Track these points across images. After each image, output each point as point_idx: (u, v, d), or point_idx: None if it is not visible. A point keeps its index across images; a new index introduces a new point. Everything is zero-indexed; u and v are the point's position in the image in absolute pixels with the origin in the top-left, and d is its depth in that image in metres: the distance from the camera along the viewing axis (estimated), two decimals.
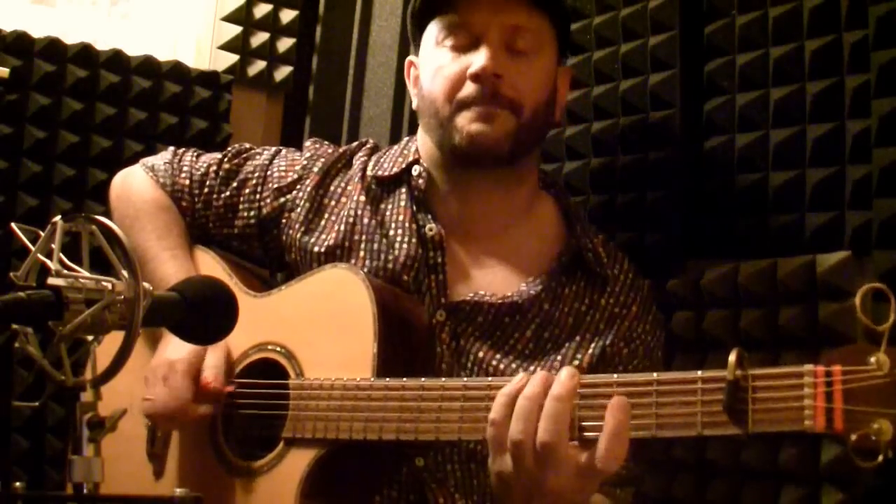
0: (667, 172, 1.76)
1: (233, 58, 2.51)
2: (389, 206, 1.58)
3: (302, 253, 1.58)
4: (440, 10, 1.54)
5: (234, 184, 1.67)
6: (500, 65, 1.47)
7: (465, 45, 1.50)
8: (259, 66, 2.53)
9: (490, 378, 1.27)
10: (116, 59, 2.29)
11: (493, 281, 1.53)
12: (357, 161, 1.64)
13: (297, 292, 1.52)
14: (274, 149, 1.72)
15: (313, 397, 1.39)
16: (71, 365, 0.96)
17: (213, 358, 1.47)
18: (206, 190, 1.68)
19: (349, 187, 1.62)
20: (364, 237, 1.55)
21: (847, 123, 1.50)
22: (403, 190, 1.58)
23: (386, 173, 1.60)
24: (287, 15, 2.55)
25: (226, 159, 1.70)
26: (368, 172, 1.61)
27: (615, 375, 1.19)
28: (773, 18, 1.61)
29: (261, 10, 2.53)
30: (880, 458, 1.01)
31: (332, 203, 1.61)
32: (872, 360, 1.03)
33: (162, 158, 1.73)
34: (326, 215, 1.60)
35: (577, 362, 1.49)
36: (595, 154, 1.88)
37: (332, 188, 1.62)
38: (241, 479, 1.44)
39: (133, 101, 2.30)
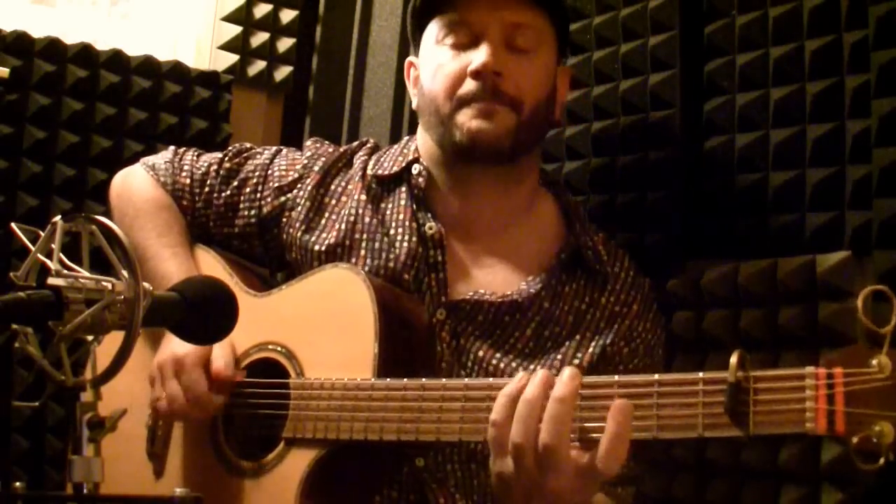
0: (667, 172, 1.76)
1: (233, 58, 2.51)
2: (390, 205, 1.58)
3: (302, 252, 1.58)
4: (440, 9, 1.54)
5: (235, 183, 1.67)
6: (500, 62, 1.47)
7: (465, 43, 1.51)
8: (259, 66, 2.53)
9: (491, 379, 1.27)
10: (116, 59, 2.29)
11: (493, 279, 1.53)
12: (357, 160, 1.64)
13: (297, 292, 1.52)
14: (274, 148, 1.72)
15: (314, 397, 1.39)
16: (71, 365, 0.96)
17: (221, 348, 1.48)
18: (206, 189, 1.68)
19: (350, 186, 1.62)
20: (365, 236, 1.56)
21: (847, 123, 1.50)
22: (403, 189, 1.58)
23: (386, 172, 1.60)
24: (287, 15, 2.55)
25: (226, 158, 1.70)
26: (369, 171, 1.61)
27: (616, 376, 1.19)
28: (773, 18, 1.61)
29: (261, 10, 2.53)
30: (882, 460, 1.01)
31: (333, 202, 1.61)
32: (874, 362, 1.02)
33: (162, 157, 1.73)
34: (327, 214, 1.60)
35: (577, 361, 1.49)
36: (595, 154, 1.88)
37: (332, 187, 1.62)
38: (241, 478, 1.44)
39: (133, 101, 2.30)
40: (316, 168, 1.63)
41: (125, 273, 0.98)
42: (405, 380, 1.33)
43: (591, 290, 1.55)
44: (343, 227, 1.57)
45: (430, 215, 1.55)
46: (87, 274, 0.98)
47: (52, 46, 2.21)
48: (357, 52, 2.48)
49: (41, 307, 0.94)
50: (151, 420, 1.56)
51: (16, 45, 2.18)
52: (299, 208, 1.61)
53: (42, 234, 0.99)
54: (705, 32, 1.72)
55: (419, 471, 1.46)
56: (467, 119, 1.49)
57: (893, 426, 1.00)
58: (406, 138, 1.68)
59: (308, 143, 1.71)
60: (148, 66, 2.33)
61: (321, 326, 1.45)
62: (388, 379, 1.34)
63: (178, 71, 2.37)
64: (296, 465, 1.38)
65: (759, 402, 1.07)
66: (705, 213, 1.70)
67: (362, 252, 1.55)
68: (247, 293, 1.56)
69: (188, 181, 1.69)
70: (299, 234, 1.59)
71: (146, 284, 0.99)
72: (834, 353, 1.40)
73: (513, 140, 1.50)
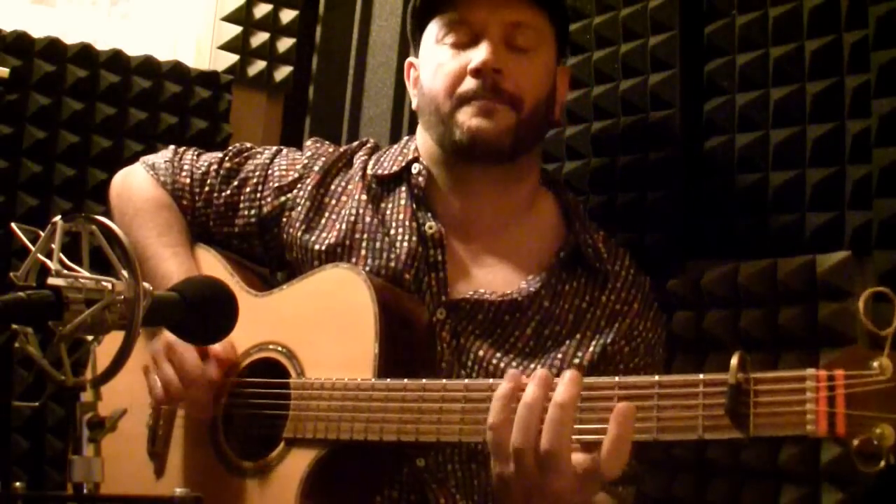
0: (667, 172, 1.76)
1: (233, 58, 2.51)
2: (390, 205, 1.58)
3: (303, 251, 1.58)
4: (440, 9, 1.54)
5: (235, 182, 1.67)
6: (500, 60, 1.48)
7: (465, 42, 1.51)
8: (259, 66, 2.53)
9: (491, 379, 1.26)
10: (116, 59, 2.29)
11: (493, 279, 1.53)
12: (357, 160, 1.64)
13: (298, 292, 1.52)
14: (275, 148, 1.72)
15: (314, 397, 1.39)
16: (71, 365, 0.96)
17: None
18: (206, 188, 1.68)
19: (350, 186, 1.62)
20: (365, 236, 1.56)
21: (847, 123, 1.50)
22: (403, 188, 1.58)
23: (386, 172, 1.60)
24: (287, 15, 2.55)
25: (227, 158, 1.70)
26: (369, 171, 1.61)
27: (616, 377, 1.19)
28: (773, 18, 1.61)
29: (261, 10, 2.53)
30: (882, 463, 1.00)
31: (333, 202, 1.61)
32: (875, 364, 1.02)
33: (162, 157, 1.73)
34: (327, 214, 1.60)
35: (577, 360, 1.49)
36: (595, 154, 1.88)
37: (332, 187, 1.63)
38: (241, 478, 1.44)
39: (133, 101, 2.30)
40: (316, 168, 1.64)
41: (125, 273, 0.98)
42: (405, 380, 1.33)
43: (592, 288, 1.55)
44: (343, 226, 1.57)
45: (430, 215, 1.55)
46: (87, 274, 0.98)
47: (52, 46, 2.22)
48: (357, 52, 2.48)
49: (41, 307, 0.94)
50: (152, 420, 1.56)
51: (16, 45, 2.18)
52: (299, 208, 1.61)
53: (42, 234, 0.99)
54: (705, 32, 1.72)
55: (420, 471, 1.46)
56: (467, 118, 1.49)
57: (894, 428, 1.00)
58: (406, 138, 1.68)
59: (308, 143, 1.71)
60: (148, 66, 2.33)
61: (322, 326, 1.45)
62: (389, 379, 1.34)
63: (178, 71, 2.37)
64: (296, 465, 1.38)
65: (759, 403, 1.07)
66: (705, 213, 1.70)
67: (362, 252, 1.55)
68: (248, 293, 1.56)
69: (188, 180, 1.69)
70: (299, 233, 1.59)
71: (146, 284, 0.99)
72: (834, 355, 1.40)
73: (513, 138, 1.50)
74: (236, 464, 1.46)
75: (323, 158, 1.65)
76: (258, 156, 1.70)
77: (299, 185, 1.63)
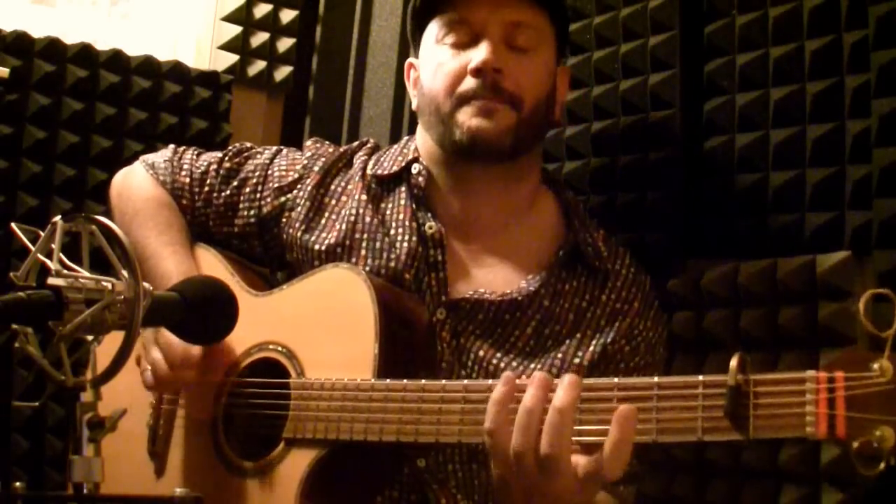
0: (667, 172, 1.76)
1: (233, 58, 2.51)
2: (390, 205, 1.58)
3: (303, 251, 1.58)
4: (440, 9, 1.54)
5: (235, 182, 1.67)
6: (500, 59, 1.48)
7: (465, 42, 1.51)
8: (259, 66, 2.53)
9: (490, 380, 1.26)
10: (116, 59, 2.29)
11: (493, 278, 1.53)
12: (357, 160, 1.64)
13: (298, 291, 1.52)
14: (275, 148, 1.72)
15: (314, 398, 1.39)
16: (71, 365, 0.96)
17: None
18: (206, 188, 1.68)
19: (350, 186, 1.62)
20: (366, 236, 1.56)
21: (847, 123, 1.50)
22: (403, 188, 1.58)
23: (386, 172, 1.60)
24: (287, 15, 2.55)
25: (226, 158, 1.70)
26: (369, 171, 1.61)
27: (616, 379, 1.18)
28: (773, 18, 1.61)
29: (261, 10, 2.53)
30: (882, 465, 1.00)
31: (333, 202, 1.61)
32: (875, 366, 1.01)
33: (162, 156, 1.73)
34: (327, 214, 1.60)
35: (578, 359, 1.49)
36: (595, 154, 1.88)
37: (332, 187, 1.63)
38: (241, 478, 1.44)
39: (133, 101, 2.30)
40: (316, 168, 1.64)
41: (125, 273, 0.98)
42: (405, 381, 1.32)
43: (592, 287, 1.55)
44: (343, 226, 1.57)
45: (429, 215, 1.55)
46: (87, 274, 0.98)
47: (52, 46, 2.22)
48: (357, 52, 2.48)
49: (41, 307, 0.94)
50: (152, 419, 1.56)
51: (16, 45, 2.18)
52: (299, 208, 1.61)
53: (42, 234, 0.99)
54: (705, 32, 1.72)
55: (420, 471, 1.46)
56: (467, 118, 1.49)
57: (894, 431, 1.00)
58: (406, 138, 1.68)
59: (308, 143, 1.71)
60: (148, 66, 2.33)
61: (322, 326, 1.45)
62: (388, 380, 1.34)
63: (178, 71, 2.37)
64: (296, 465, 1.38)
65: (759, 405, 1.06)
66: (705, 213, 1.70)
67: (363, 252, 1.55)
68: (248, 292, 1.56)
69: (187, 180, 1.69)
70: (299, 233, 1.59)
71: (146, 284, 0.99)
72: (834, 355, 1.39)
73: (513, 138, 1.50)
74: (236, 464, 1.46)
75: (323, 158, 1.65)
76: (258, 156, 1.70)
77: (299, 186, 1.63)
